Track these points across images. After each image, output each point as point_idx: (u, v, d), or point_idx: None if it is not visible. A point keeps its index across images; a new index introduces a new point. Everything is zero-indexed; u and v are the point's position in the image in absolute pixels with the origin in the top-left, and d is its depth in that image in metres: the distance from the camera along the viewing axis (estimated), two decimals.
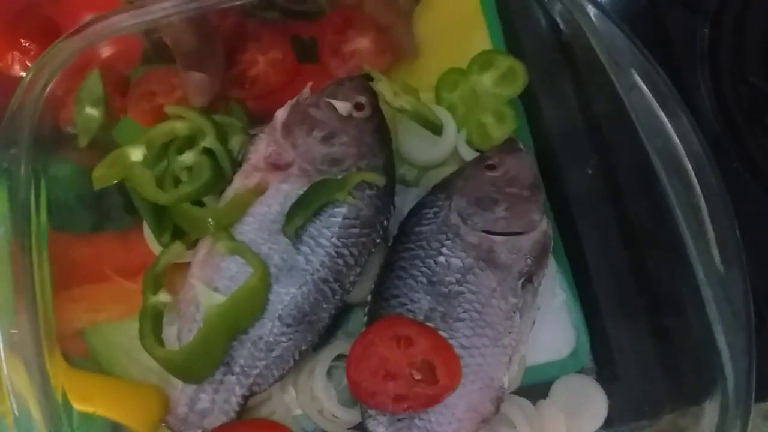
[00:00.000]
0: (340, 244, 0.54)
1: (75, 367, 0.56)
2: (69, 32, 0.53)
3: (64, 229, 0.59)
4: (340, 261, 0.54)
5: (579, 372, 0.59)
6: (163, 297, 0.54)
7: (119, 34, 0.55)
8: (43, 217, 0.56)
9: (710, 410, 0.50)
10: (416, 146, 0.61)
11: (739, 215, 0.52)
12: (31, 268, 0.53)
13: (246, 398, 0.54)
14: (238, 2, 0.57)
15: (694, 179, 0.52)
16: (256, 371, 0.53)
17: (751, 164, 0.64)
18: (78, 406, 0.54)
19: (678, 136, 0.52)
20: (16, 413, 0.47)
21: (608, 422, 0.57)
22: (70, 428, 0.52)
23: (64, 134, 0.59)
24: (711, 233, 0.51)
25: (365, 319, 0.55)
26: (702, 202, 0.51)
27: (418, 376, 0.51)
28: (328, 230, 0.53)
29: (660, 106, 0.53)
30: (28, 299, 0.51)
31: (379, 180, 0.54)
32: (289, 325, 0.53)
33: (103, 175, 0.55)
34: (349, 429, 0.55)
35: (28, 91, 0.53)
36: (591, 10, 0.57)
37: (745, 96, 0.65)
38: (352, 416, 0.55)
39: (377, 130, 0.56)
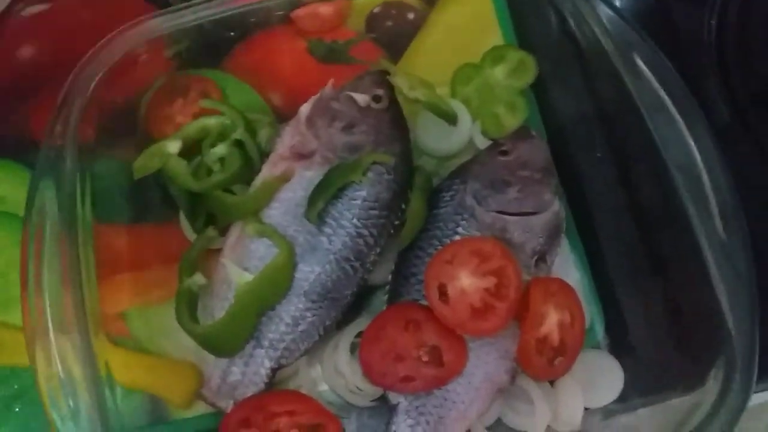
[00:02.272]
0: (360, 225, 0.57)
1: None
2: (112, 34, 0.58)
3: (108, 221, 0.63)
4: (361, 241, 0.57)
5: (594, 347, 0.61)
6: (197, 279, 0.58)
7: (156, 35, 0.60)
8: (89, 209, 0.60)
9: (716, 374, 0.51)
10: (433, 137, 0.64)
11: (749, 200, 0.54)
12: (78, 257, 0.57)
13: (274, 371, 0.57)
14: (266, 4, 0.61)
15: (697, 154, 0.54)
16: (283, 345, 0.56)
17: (760, 150, 0.66)
18: (120, 380, 0.59)
19: (680, 114, 0.55)
20: (61, 375, 0.50)
21: (624, 395, 0.58)
22: (113, 399, 0.56)
23: (106, 131, 0.63)
24: (713, 204, 0.53)
25: (386, 297, 0.59)
26: (704, 175, 0.53)
27: (425, 359, 0.54)
28: (348, 212, 0.57)
29: (662, 88, 0.56)
30: (75, 285, 0.55)
31: (389, 160, 0.57)
32: (313, 302, 0.57)
33: (142, 166, 0.60)
34: (372, 401, 0.58)
35: (73, 89, 0.57)
36: (598, 4, 0.60)
37: (753, 84, 0.67)
38: (375, 389, 0.57)
39: (394, 120, 0.60)
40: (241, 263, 0.57)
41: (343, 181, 0.56)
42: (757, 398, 0.59)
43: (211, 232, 0.59)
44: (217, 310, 0.57)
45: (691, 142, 0.54)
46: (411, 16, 0.70)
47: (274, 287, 0.56)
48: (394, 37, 0.69)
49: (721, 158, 0.53)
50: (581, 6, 0.61)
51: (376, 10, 0.70)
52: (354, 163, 0.57)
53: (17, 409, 0.61)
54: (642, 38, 0.58)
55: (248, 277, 0.56)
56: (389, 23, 0.70)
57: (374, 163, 0.57)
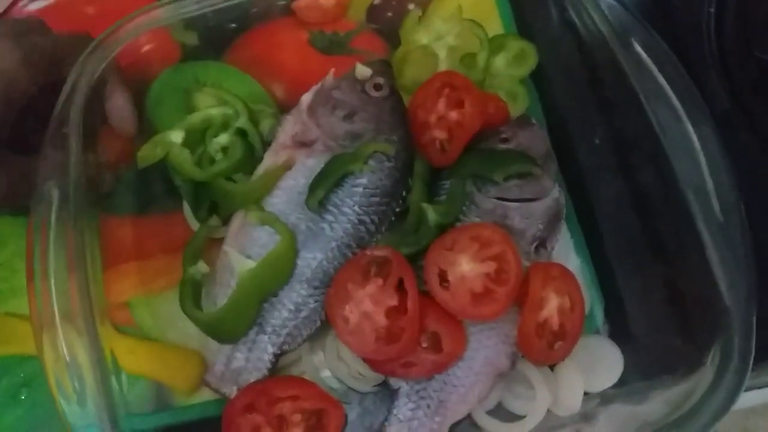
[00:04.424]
0: (361, 212, 0.58)
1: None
2: (111, 28, 0.59)
3: (114, 213, 0.64)
4: (362, 228, 0.58)
5: (594, 332, 0.61)
6: (201, 267, 0.59)
7: (156, 27, 0.61)
8: (93, 198, 0.61)
9: (713, 357, 0.52)
10: None
11: (748, 186, 0.54)
12: (83, 246, 0.57)
13: (277, 356, 0.57)
14: None
15: (696, 141, 0.54)
16: (286, 331, 0.57)
17: (760, 136, 0.67)
18: (125, 367, 0.59)
19: (679, 101, 0.55)
20: (68, 360, 0.51)
21: (623, 380, 0.59)
22: (119, 386, 0.57)
23: (108, 125, 0.64)
24: (712, 190, 0.53)
25: None
26: (703, 161, 0.54)
27: (425, 344, 0.55)
28: (350, 199, 0.58)
29: (662, 75, 0.56)
30: (80, 274, 0.55)
31: (389, 149, 0.58)
32: (315, 288, 0.57)
33: (146, 155, 0.60)
34: (374, 386, 0.58)
35: (78, 79, 0.58)
36: None
37: (752, 69, 0.67)
38: (377, 374, 0.58)
39: (394, 109, 0.60)
40: (244, 251, 0.57)
41: (344, 170, 0.57)
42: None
43: (214, 221, 0.60)
44: (220, 297, 0.57)
45: (691, 129, 0.55)
46: (411, 6, 0.70)
47: (276, 274, 0.57)
48: (395, 27, 0.69)
49: (720, 144, 0.53)
50: None
51: (376, 1, 0.70)
52: (355, 153, 0.57)
53: (23, 397, 0.62)
54: (642, 26, 0.58)
55: (251, 264, 0.56)
56: (390, 14, 0.70)
57: (375, 151, 0.58)
